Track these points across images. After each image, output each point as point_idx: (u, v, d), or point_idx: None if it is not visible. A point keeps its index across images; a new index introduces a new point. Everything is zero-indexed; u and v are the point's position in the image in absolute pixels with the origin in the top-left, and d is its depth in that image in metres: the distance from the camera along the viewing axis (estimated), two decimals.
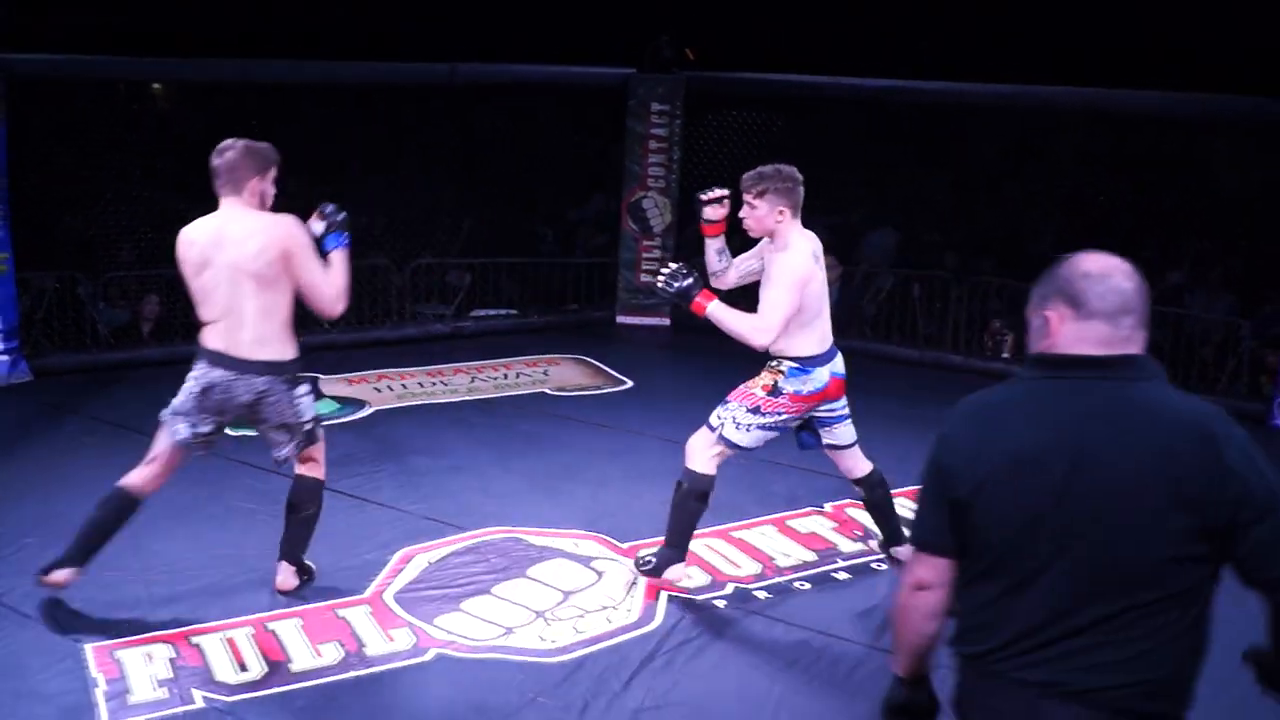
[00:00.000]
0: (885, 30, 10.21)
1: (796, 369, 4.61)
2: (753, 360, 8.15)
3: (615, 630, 4.44)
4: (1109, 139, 9.11)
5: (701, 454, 4.70)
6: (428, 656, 4.21)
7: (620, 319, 9.33)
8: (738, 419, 4.65)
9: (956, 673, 2.29)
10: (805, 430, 4.85)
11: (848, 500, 5.70)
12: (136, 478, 4.45)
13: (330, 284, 4.31)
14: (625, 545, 5.13)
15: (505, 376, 7.79)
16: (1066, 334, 2.18)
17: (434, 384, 7.61)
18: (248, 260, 4.15)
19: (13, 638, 4.24)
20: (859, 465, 4.96)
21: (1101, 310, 2.14)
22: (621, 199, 9.17)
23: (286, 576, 4.60)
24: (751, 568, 5.03)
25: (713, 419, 4.72)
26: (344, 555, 4.96)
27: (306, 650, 4.21)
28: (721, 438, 4.67)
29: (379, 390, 7.43)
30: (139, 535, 5.07)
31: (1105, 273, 2.17)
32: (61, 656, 4.11)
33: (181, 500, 5.51)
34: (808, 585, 4.91)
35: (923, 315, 8.82)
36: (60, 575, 4.34)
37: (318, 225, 4.40)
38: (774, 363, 4.67)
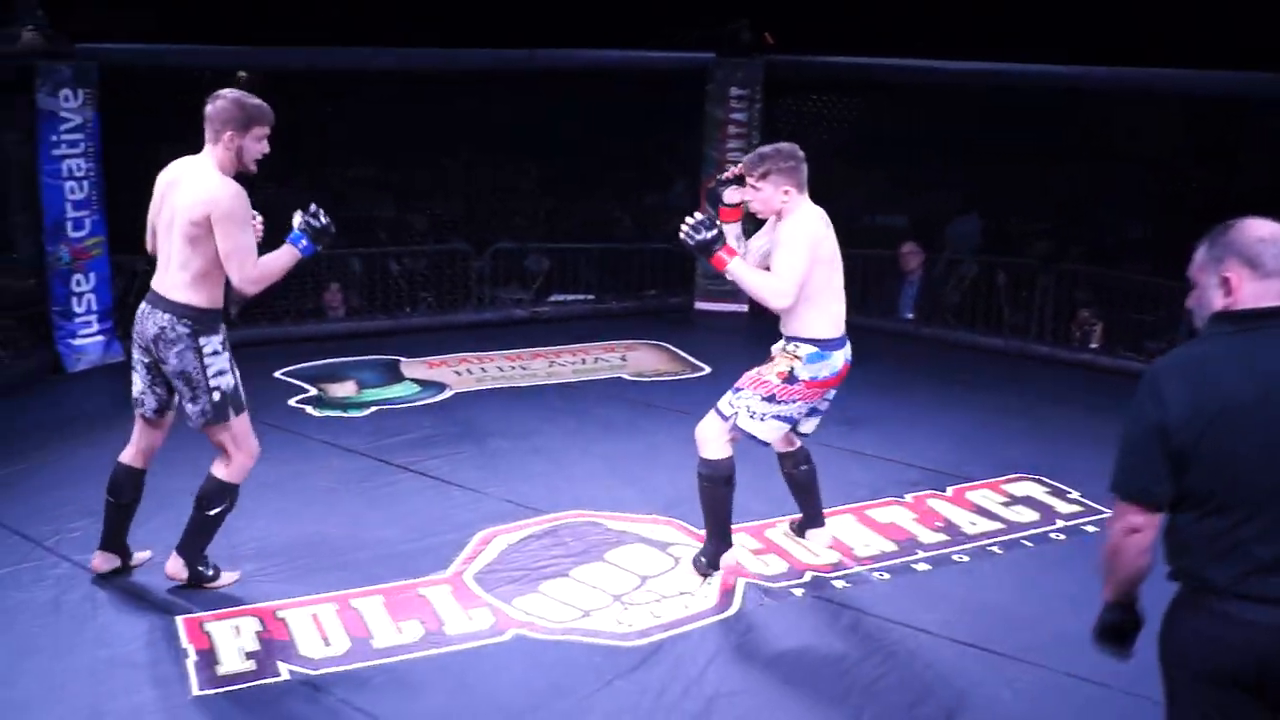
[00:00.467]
0: (968, 11, 10.07)
1: (816, 353, 4.52)
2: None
3: (692, 616, 4.46)
4: (1196, 123, 8.91)
5: (714, 441, 4.62)
6: (506, 637, 4.28)
7: (698, 305, 9.33)
8: (752, 408, 4.54)
9: (1175, 605, 2.55)
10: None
11: (928, 490, 5.69)
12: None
13: (248, 263, 4.20)
14: (702, 531, 5.14)
15: (583, 361, 7.84)
16: (1248, 292, 2.50)
17: (513, 368, 7.68)
18: (182, 210, 4.19)
19: (109, 609, 4.40)
20: (793, 440, 4.90)
21: (1277, 270, 2.48)
22: (700, 184, 9.16)
23: (176, 566, 4.51)
24: (830, 557, 5.00)
25: (723, 406, 4.61)
26: (425, 535, 5.06)
27: (388, 627, 4.30)
28: (736, 427, 4.57)
29: (459, 374, 7.52)
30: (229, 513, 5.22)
31: (1276, 237, 2.52)
32: (154, 628, 4.26)
33: (268, 479, 5.62)
34: (886, 575, 4.88)
35: (1008, 303, 8.71)
36: (98, 560, 4.59)
37: (296, 219, 4.41)
38: (790, 346, 4.56)
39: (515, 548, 4.98)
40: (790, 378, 4.51)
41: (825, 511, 5.19)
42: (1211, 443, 2.42)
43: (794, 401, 4.54)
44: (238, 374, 4.50)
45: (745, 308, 9.21)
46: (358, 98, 8.57)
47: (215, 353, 4.38)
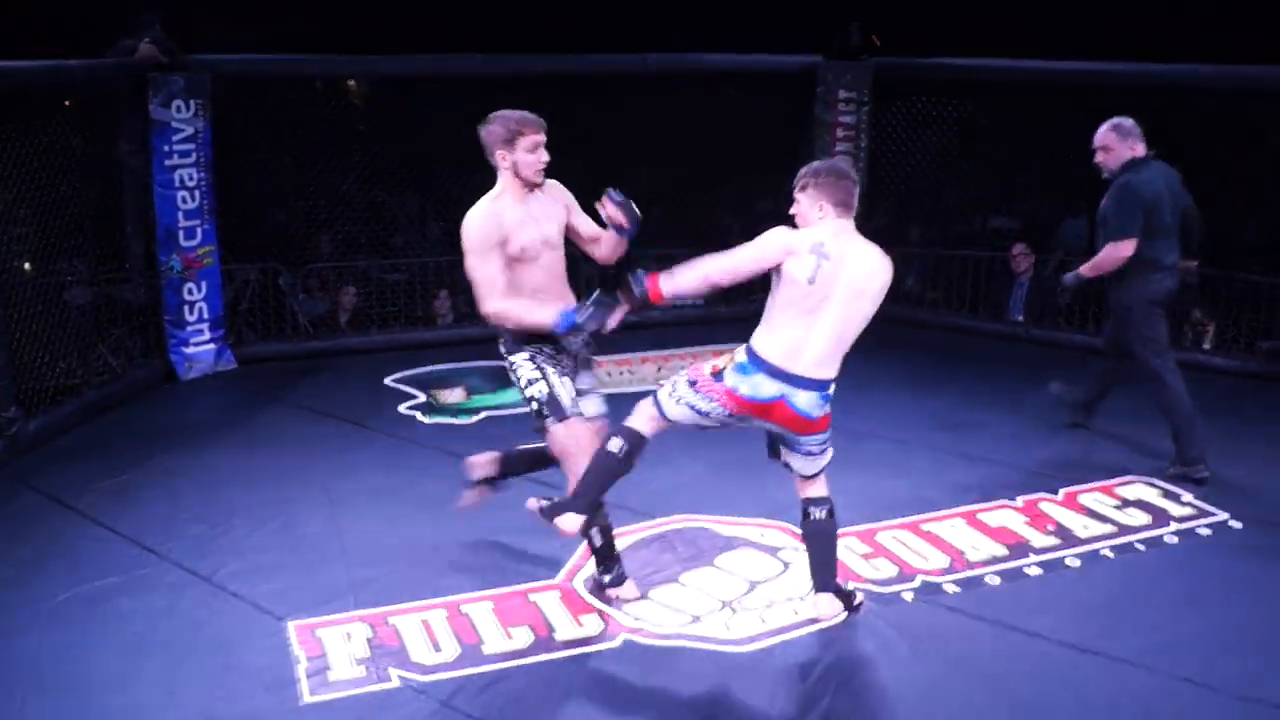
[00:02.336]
0: (1077, 11, 9.83)
1: (744, 364, 4.14)
2: (940, 350, 7.95)
3: (802, 621, 4.37)
4: None
5: (640, 415, 4.31)
6: (616, 642, 4.22)
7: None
8: (676, 386, 4.26)
9: (1138, 275, 5.09)
10: (771, 442, 4.47)
11: (1040, 494, 5.55)
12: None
13: (486, 298, 4.34)
14: None
15: (679, 368, 7.76)
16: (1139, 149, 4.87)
17: (621, 373, 7.63)
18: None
19: (222, 614, 4.44)
20: (813, 488, 4.47)
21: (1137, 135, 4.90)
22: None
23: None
24: (940, 561, 4.89)
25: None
26: (534, 541, 4.99)
27: (498, 633, 4.27)
28: (654, 399, 4.30)
29: (718, 365, 7.47)
30: (339, 519, 5.28)
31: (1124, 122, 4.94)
32: (266, 633, 4.28)
33: (379, 485, 5.69)
34: (998, 580, 4.75)
35: None
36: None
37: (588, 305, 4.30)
38: (739, 348, 4.22)
39: (625, 553, 4.88)
40: (718, 374, 4.19)
41: (934, 515, 5.16)
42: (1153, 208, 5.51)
43: (711, 400, 4.18)
44: (556, 382, 4.41)
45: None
46: (473, 105, 8.60)
47: (520, 366, 4.41)
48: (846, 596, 4.47)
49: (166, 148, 7.32)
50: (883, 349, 8.06)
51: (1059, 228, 9.48)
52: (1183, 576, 4.76)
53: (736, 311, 9.10)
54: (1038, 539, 5.11)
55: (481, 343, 8.23)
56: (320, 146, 8.34)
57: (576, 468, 4.28)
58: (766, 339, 4.15)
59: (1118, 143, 5.73)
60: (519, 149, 4.29)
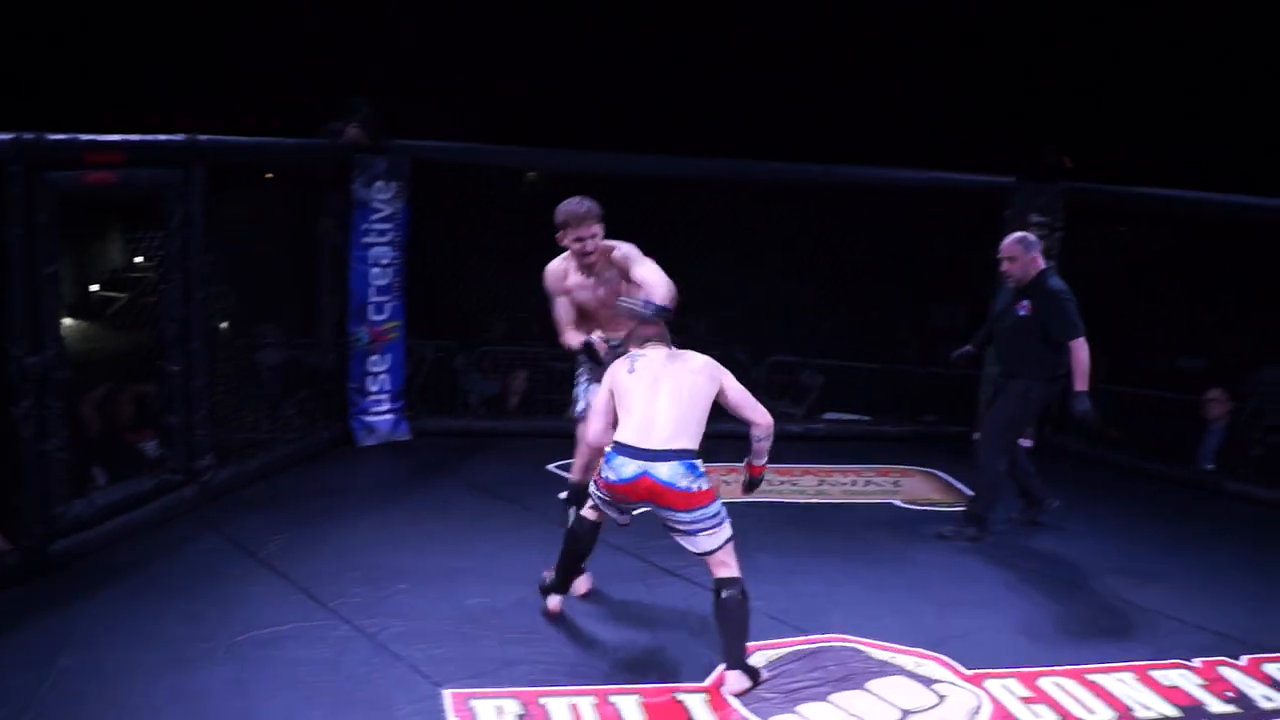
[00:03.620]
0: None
1: (608, 454, 4.72)
2: (1119, 492, 7.70)
3: None
4: None
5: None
6: None
7: (977, 436, 9.02)
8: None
9: None
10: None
11: (1219, 657, 5.20)
12: None
13: (560, 333, 5.51)
14: (970, 672, 4.90)
15: (854, 483, 7.69)
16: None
17: (782, 483, 7.59)
18: None
19: (382, 672, 4.58)
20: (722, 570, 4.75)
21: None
22: (987, 310, 8.92)
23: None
24: (1105, 715, 4.65)
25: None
26: (685, 641, 5.02)
27: None
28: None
29: (727, 482, 7.47)
30: (497, 594, 5.37)
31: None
32: (422, 696, 4.40)
33: (538, 567, 5.74)
34: None
35: None
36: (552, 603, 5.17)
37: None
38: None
39: (774, 665, 4.87)
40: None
41: (1102, 665, 4.99)
42: None
43: (600, 494, 4.83)
44: (585, 392, 5.48)
45: (1029, 443, 8.86)
46: (649, 204, 8.83)
47: (577, 382, 5.58)
48: (753, 674, 4.65)
49: (365, 225, 7.71)
50: (1058, 485, 7.90)
51: (1254, 373, 9.10)
52: None
53: (902, 431, 9.03)
54: (1214, 704, 4.80)
55: None
56: (500, 234, 8.63)
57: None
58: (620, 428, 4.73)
59: (1022, 254, 6.44)
60: (567, 237, 5.18)
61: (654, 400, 4.67)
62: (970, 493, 7.40)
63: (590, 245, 5.18)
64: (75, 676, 4.40)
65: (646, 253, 5.27)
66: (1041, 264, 6.52)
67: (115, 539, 5.74)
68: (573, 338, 5.33)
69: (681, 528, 4.68)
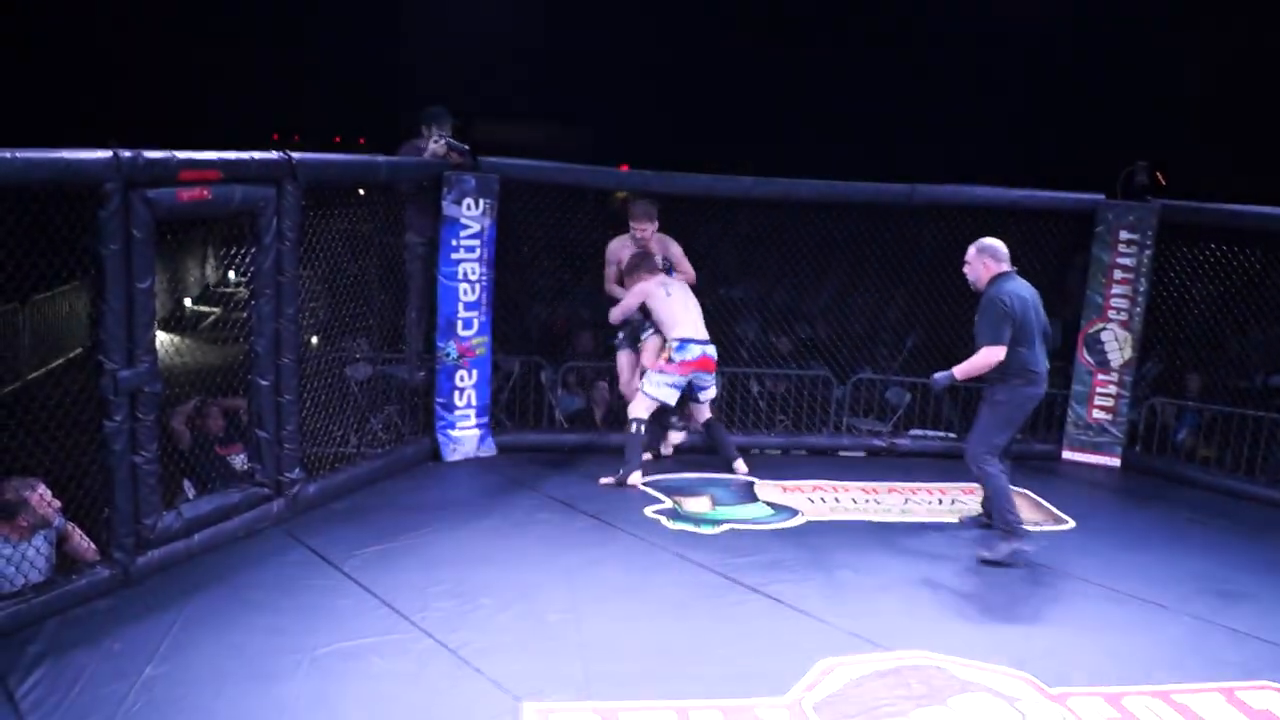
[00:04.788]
0: None
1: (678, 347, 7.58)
2: (1208, 512, 7.52)
3: None
4: None
5: (637, 404, 7.65)
6: None
7: (1066, 454, 8.86)
8: (649, 381, 7.63)
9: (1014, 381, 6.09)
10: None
11: None
12: None
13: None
14: (1054, 690, 4.81)
15: (939, 501, 7.59)
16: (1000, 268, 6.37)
17: (867, 500, 7.53)
18: None
19: (463, 686, 4.62)
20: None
21: (1005, 257, 6.49)
22: (1079, 329, 8.78)
23: None
24: None
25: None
26: (767, 657, 5.00)
27: None
28: (642, 391, 7.63)
29: (811, 501, 7.45)
30: (579, 609, 5.40)
31: (996, 245, 6.47)
32: (502, 711, 4.43)
33: (621, 583, 5.80)
34: None
35: None
36: None
37: None
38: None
39: (857, 682, 4.83)
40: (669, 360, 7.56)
41: (1188, 686, 4.95)
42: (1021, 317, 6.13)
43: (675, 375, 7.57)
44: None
45: (1117, 461, 8.69)
46: (738, 223, 8.86)
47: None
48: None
49: (454, 241, 7.78)
50: (1149, 504, 7.76)
51: None
52: None
53: (956, 448, 8.87)
54: None
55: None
56: (587, 251, 8.69)
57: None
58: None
59: (975, 259, 6.56)
60: (633, 227, 7.93)
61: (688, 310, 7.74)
62: (1057, 511, 7.32)
63: (647, 235, 7.90)
64: (162, 686, 4.50)
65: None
66: (997, 270, 6.49)
67: (203, 551, 5.86)
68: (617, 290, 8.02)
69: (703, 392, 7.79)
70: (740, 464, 7.88)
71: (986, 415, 6.56)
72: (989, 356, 6.34)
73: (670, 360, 7.52)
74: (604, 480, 7.49)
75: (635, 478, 7.47)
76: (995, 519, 6.59)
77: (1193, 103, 17.40)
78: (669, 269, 8.00)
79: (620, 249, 8.02)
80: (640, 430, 7.54)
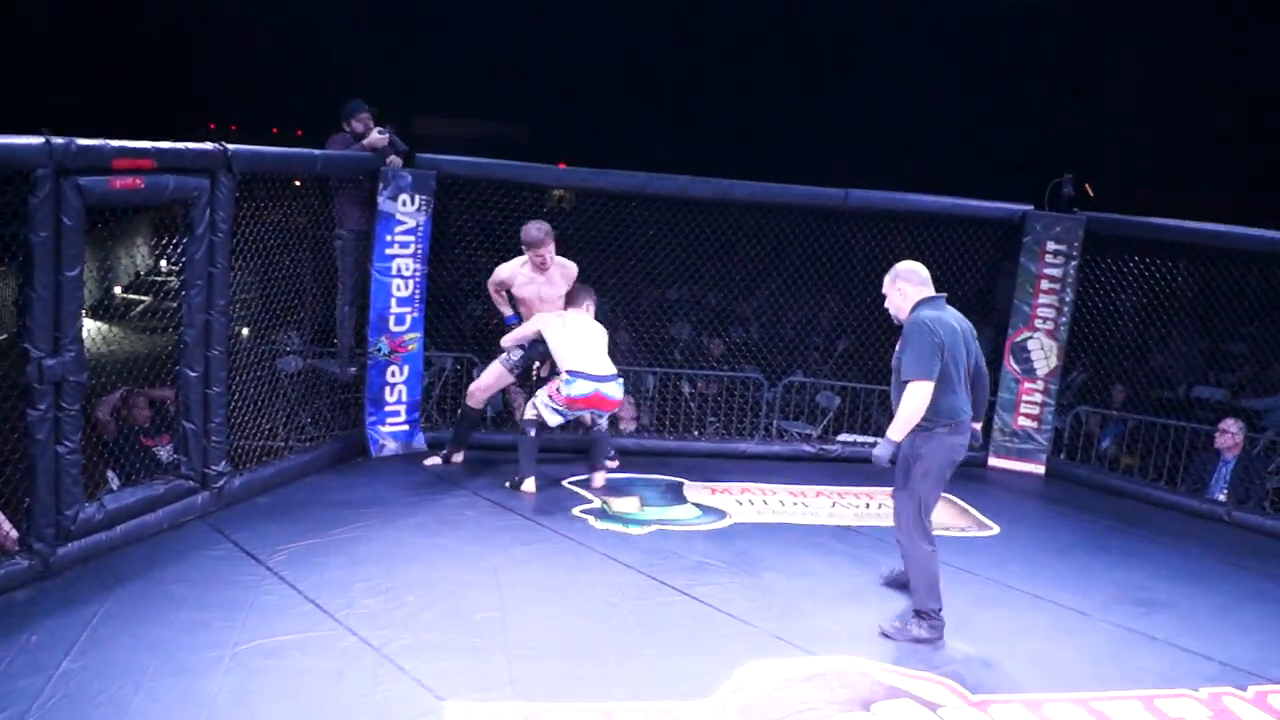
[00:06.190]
0: None
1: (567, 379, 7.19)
2: (1130, 520, 7.67)
3: None
4: None
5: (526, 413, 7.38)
6: None
7: (992, 461, 9.01)
8: (538, 399, 7.31)
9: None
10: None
11: (1226, 687, 5.20)
12: None
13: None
14: (976, 697, 4.89)
15: (867, 506, 7.68)
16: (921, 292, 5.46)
17: (795, 503, 7.59)
18: None
19: (386, 685, 4.59)
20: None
21: (924, 281, 5.51)
22: (1005, 338, 8.93)
23: None
24: None
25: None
26: (691, 660, 5.03)
27: None
28: (534, 404, 7.35)
29: (740, 503, 7.50)
30: (506, 608, 5.39)
31: (916, 267, 5.51)
32: (425, 711, 4.41)
33: (546, 582, 5.80)
34: None
35: None
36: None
37: None
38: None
39: (780, 686, 4.87)
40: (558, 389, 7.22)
41: (1107, 694, 5.02)
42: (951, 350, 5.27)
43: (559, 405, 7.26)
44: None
45: (1042, 469, 8.85)
46: (670, 223, 8.86)
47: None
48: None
49: (389, 237, 7.74)
50: (1070, 513, 7.90)
51: (1267, 404, 9.09)
52: None
53: None
54: None
55: (662, 455, 8.40)
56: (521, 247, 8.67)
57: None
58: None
59: (889, 286, 5.59)
60: (530, 251, 7.45)
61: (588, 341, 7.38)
62: (982, 517, 7.41)
63: (547, 259, 7.47)
64: (80, 680, 4.43)
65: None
66: (918, 295, 5.50)
67: (125, 543, 5.78)
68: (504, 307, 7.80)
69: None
70: (599, 477, 7.57)
71: (913, 474, 5.46)
72: (921, 394, 5.28)
73: (558, 391, 7.19)
74: (507, 483, 7.39)
75: (529, 484, 7.31)
76: (913, 599, 5.59)
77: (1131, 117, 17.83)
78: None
79: (511, 276, 7.60)
80: (533, 434, 7.31)
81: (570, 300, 7.58)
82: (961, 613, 5.88)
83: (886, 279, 5.62)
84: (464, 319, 9.19)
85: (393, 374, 7.95)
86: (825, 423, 9.45)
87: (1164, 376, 9.57)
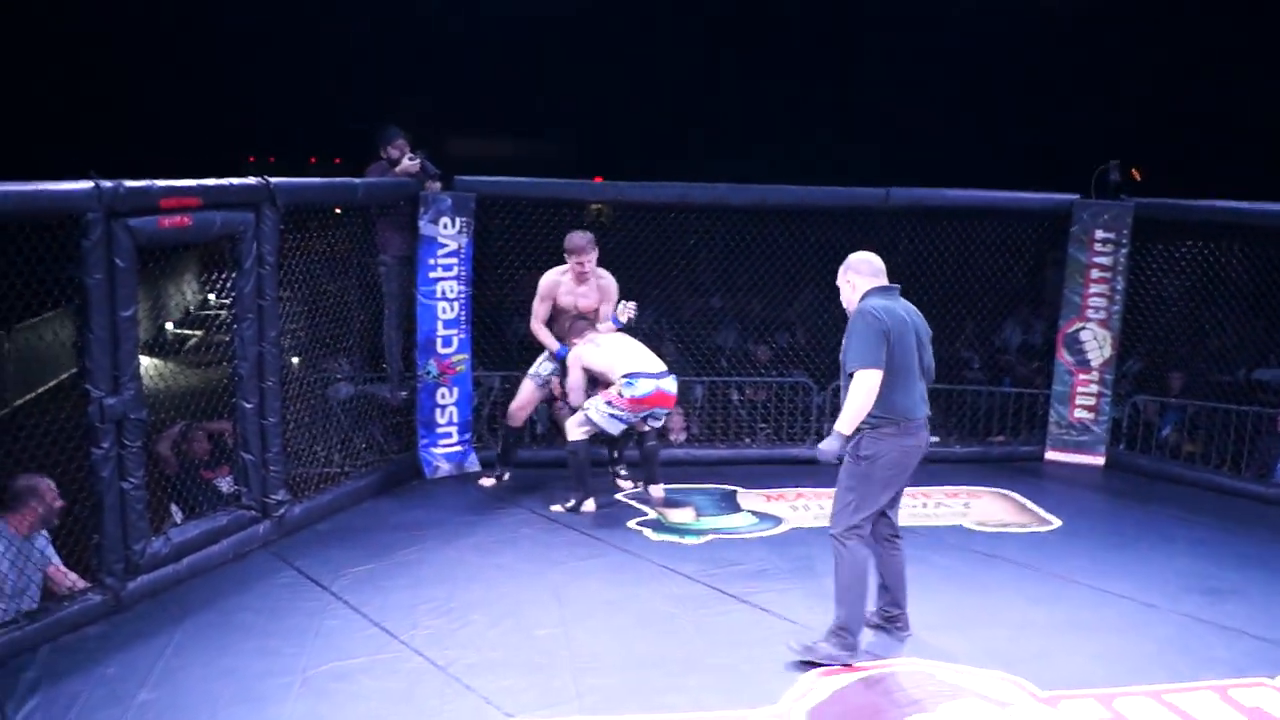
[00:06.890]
0: None
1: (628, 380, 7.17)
2: (1194, 509, 7.57)
3: None
4: None
5: (571, 428, 7.29)
6: None
7: (1050, 455, 8.92)
8: (595, 408, 7.20)
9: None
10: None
11: None
12: None
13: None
14: (1045, 694, 4.84)
15: (923, 505, 7.62)
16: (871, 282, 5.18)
17: (807, 506, 7.52)
18: None
19: (454, 704, 4.63)
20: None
21: (874, 272, 5.24)
22: (1058, 329, 8.84)
23: None
24: None
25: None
26: (757, 666, 5.02)
27: None
28: (587, 419, 7.21)
29: (795, 509, 7.48)
30: (567, 624, 5.40)
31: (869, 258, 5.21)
32: None
33: (607, 596, 5.81)
34: None
35: None
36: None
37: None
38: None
39: (845, 690, 4.85)
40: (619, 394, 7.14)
41: (1180, 686, 4.96)
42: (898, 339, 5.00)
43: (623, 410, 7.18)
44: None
45: (1101, 460, 8.75)
46: (714, 231, 8.86)
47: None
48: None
49: (432, 261, 7.80)
50: (1132, 504, 7.80)
51: None
52: None
53: (971, 452, 8.94)
54: None
55: (714, 465, 8.38)
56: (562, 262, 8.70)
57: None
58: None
59: (840, 279, 5.30)
60: (571, 259, 7.49)
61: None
62: (1043, 512, 7.33)
63: (588, 267, 7.51)
64: (155, 711, 4.50)
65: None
66: (866, 285, 5.22)
67: (192, 575, 5.86)
68: (550, 343, 7.67)
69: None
70: (657, 489, 7.47)
71: (852, 476, 5.18)
72: (868, 384, 4.98)
73: (620, 395, 7.10)
74: (555, 507, 7.28)
75: (589, 505, 7.26)
76: (836, 609, 5.17)
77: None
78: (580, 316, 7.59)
79: (555, 285, 7.60)
80: (582, 452, 7.21)
81: (574, 333, 7.53)
82: (1026, 609, 5.83)
83: (839, 271, 5.33)
84: (510, 338, 9.23)
85: (443, 396, 8.00)
86: None
87: (1223, 360, 9.41)
